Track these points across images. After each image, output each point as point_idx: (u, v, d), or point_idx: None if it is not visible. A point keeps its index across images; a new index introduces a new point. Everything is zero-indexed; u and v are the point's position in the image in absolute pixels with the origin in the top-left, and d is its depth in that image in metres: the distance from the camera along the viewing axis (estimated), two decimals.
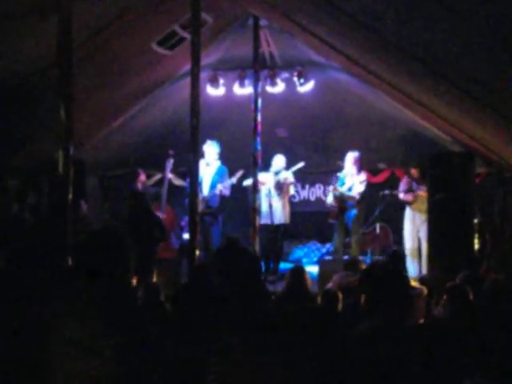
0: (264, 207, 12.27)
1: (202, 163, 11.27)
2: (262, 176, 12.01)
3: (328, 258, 12.41)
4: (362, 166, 12.56)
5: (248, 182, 12.10)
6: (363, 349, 3.44)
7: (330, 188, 12.36)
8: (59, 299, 3.52)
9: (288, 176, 12.65)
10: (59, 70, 7.28)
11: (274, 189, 12.50)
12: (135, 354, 3.40)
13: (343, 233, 12.48)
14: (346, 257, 11.83)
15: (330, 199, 12.54)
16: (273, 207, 12.29)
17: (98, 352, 3.35)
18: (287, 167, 12.72)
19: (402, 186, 12.57)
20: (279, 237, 12.71)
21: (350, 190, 12.19)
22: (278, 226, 12.56)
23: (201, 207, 10.96)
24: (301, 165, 12.65)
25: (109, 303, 3.46)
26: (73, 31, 7.27)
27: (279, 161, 12.73)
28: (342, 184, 12.33)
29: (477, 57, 6.89)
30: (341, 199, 12.24)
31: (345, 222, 12.39)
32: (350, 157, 12.40)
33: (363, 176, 12.31)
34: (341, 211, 12.29)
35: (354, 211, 12.26)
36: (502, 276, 8.91)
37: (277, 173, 12.63)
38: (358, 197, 12.18)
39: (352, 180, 12.27)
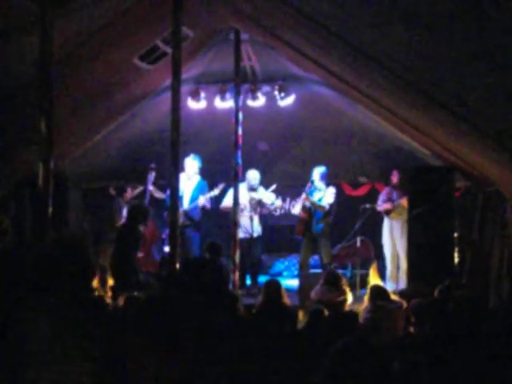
0: (243, 221, 12.28)
1: (183, 177, 11.30)
2: (241, 193, 11.98)
3: (304, 272, 12.37)
4: (337, 180, 12.67)
5: (226, 203, 12.20)
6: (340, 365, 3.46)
7: (303, 196, 12.37)
8: (30, 310, 3.54)
9: (277, 204, 12.84)
10: (40, 83, 7.31)
11: (249, 204, 12.48)
12: (112, 364, 3.41)
13: (310, 248, 12.50)
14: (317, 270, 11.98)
15: (297, 210, 12.61)
16: (254, 220, 12.34)
17: (74, 363, 3.36)
18: (266, 181, 12.76)
19: (382, 196, 12.65)
20: (258, 249, 12.73)
21: (319, 200, 12.21)
22: (256, 238, 12.59)
23: (181, 220, 10.98)
24: (273, 187, 12.75)
25: (78, 313, 3.48)
26: (54, 46, 7.29)
27: (254, 176, 12.74)
28: (311, 195, 12.36)
29: (457, 72, 6.95)
30: (310, 210, 12.27)
31: (312, 236, 12.39)
32: (317, 172, 12.42)
33: (332, 189, 12.33)
34: (307, 226, 12.31)
35: (321, 225, 12.27)
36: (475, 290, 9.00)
37: (252, 188, 12.67)
38: (327, 207, 12.19)
39: (321, 193, 12.29)
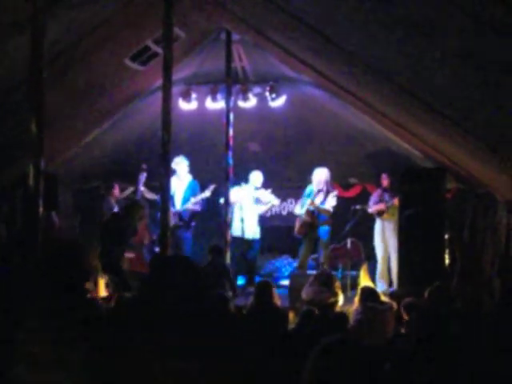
0: (236, 221, 12.29)
1: (174, 178, 11.28)
2: (239, 191, 12.06)
3: (299, 272, 12.34)
4: (332, 180, 12.60)
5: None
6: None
7: (308, 201, 12.28)
8: (23, 312, 3.52)
9: (274, 202, 12.85)
10: (30, 84, 7.29)
11: (254, 204, 12.56)
12: (104, 367, 3.39)
13: (311, 248, 12.47)
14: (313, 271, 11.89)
15: (300, 210, 12.52)
16: (244, 221, 12.31)
17: (64, 366, 3.34)
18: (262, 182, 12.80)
19: (373, 198, 12.63)
20: (253, 250, 12.74)
21: (322, 203, 12.18)
22: (252, 241, 12.61)
23: (173, 221, 10.97)
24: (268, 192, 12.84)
25: (72, 315, 3.46)
26: (46, 46, 7.27)
27: (257, 177, 12.79)
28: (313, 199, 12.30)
29: (447, 77, 6.96)
30: (314, 214, 12.23)
31: (314, 237, 12.35)
32: (319, 173, 12.37)
33: (335, 191, 12.32)
34: (311, 227, 12.27)
35: (327, 227, 12.23)
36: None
37: (256, 188, 12.69)
38: (332, 210, 12.18)
39: (324, 195, 12.26)
